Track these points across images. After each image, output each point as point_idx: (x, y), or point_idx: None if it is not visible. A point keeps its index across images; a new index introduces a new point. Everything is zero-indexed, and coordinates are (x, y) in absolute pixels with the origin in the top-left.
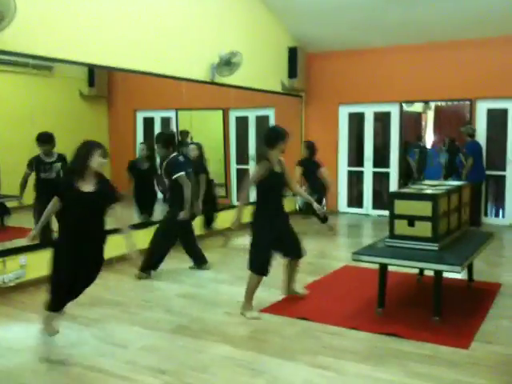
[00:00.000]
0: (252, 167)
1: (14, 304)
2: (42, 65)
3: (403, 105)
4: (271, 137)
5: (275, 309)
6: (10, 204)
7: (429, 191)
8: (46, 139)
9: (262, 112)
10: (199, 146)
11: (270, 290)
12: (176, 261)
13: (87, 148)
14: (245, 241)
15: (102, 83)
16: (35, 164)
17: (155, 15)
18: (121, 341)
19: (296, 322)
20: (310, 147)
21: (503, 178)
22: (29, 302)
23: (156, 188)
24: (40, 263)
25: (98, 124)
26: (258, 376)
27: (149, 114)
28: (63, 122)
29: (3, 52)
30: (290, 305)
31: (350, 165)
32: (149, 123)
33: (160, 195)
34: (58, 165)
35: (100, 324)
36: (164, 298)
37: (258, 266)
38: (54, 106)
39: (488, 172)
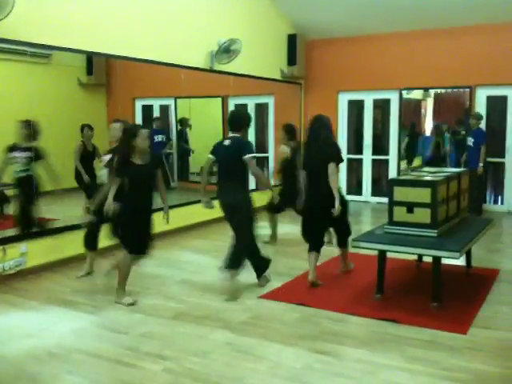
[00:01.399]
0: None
1: (14, 291)
2: (40, 53)
3: (403, 92)
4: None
5: (274, 295)
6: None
7: (428, 178)
8: None
9: (261, 99)
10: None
11: (270, 276)
12: (176, 247)
13: None
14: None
15: (100, 71)
16: None
17: (154, 2)
18: (121, 327)
19: (295, 307)
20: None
21: (502, 164)
22: (29, 289)
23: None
24: (40, 251)
25: (97, 112)
26: (259, 361)
27: (147, 102)
28: (62, 110)
29: (1, 40)
30: (289, 291)
31: (349, 152)
32: (147, 111)
33: None
34: None
35: (101, 311)
36: (164, 285)
37: None
38: (52, 95)
39: (487, 159)
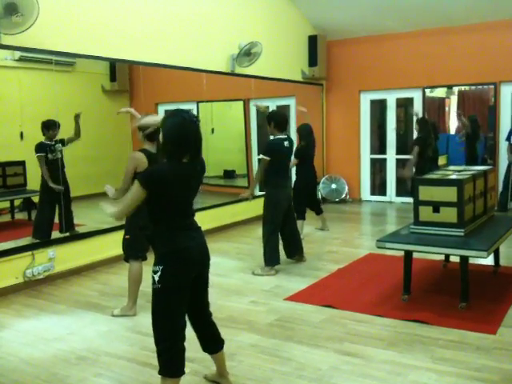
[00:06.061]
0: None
1: (43, 296)
2: (64, 61)
3: (426, 90)
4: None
5: (300, 297)
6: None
7: (453, 176)
8: None
9: (282, 101)
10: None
11: (294, 278)
12: None
13: None
14: None
15: (123, 78)
16: None
17: (175, 8)
18: (149, 330)
19: (321, 309)
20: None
21: None
22: (57, 293)
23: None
24: (68, 256)
25: (121, 118)
26: (285, 363)
27: (170, 107)
28: (87, 117)
29: (27, 49)
30: (315, 293)
31: (372, 152)
32: None
33: None
34: None
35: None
36: None
37: None
38: (77, 102)
39: None
